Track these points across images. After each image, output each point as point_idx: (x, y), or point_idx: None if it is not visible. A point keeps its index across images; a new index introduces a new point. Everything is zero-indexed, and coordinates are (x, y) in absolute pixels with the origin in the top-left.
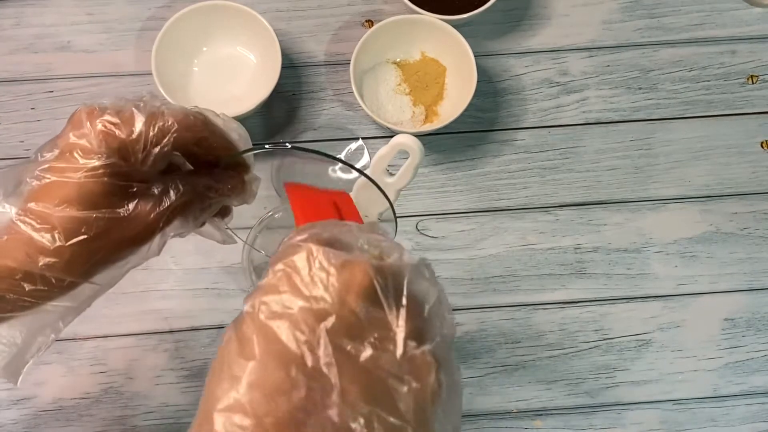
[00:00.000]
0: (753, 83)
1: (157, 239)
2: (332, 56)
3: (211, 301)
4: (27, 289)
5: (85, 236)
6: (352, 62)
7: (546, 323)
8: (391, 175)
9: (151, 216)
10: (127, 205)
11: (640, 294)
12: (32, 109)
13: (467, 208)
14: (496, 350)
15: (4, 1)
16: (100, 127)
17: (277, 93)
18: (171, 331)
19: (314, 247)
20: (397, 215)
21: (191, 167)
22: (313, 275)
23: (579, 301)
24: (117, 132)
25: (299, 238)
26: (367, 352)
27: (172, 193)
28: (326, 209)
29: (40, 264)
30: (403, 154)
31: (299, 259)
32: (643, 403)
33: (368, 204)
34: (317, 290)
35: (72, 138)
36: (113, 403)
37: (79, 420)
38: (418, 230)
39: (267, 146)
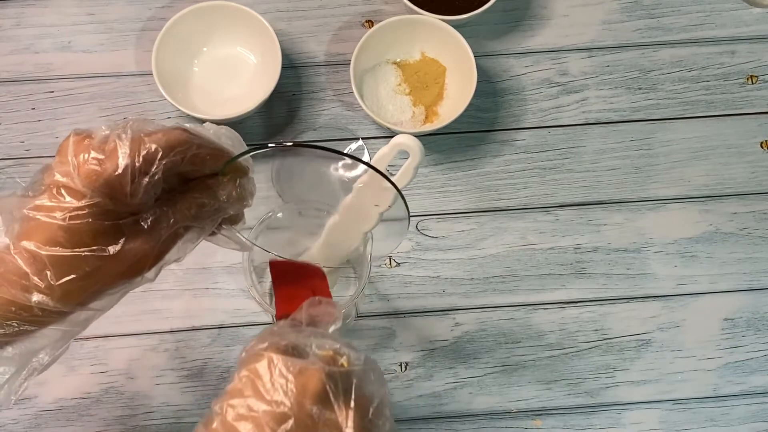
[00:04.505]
0: (753, 83)
1: (152, 269)
2: (332, 56)
3: (211, 301)
4: (24, 317)
5: (75, 275)
6: (352, 62)
7: (546, 323)
8: (392, 175)
9: (142, 250)
10: (116, 243)
11: (640, 294)
12: (33, 109)
13: (467, 208)
14: (496, 350)
15: (4, 1)
16: (84, 164)
17: (277, 93)
18: (171, 331)
19: (275, 356)
20: (405, 211)
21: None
22: (274, 381)
23: (579, 301)
24: (101, 169)
25: (261, 346)
26: None
27: (163, 226)
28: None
29: (34, 300)
30: (403, 154)
31: (261, 367)
32: (642, 403)
33: (369, 203)
34: (278, 395)
35: (57, 176)
36: (114, 403)
37: (80, 420)
38: (419, 230)
39: (270, 145)
